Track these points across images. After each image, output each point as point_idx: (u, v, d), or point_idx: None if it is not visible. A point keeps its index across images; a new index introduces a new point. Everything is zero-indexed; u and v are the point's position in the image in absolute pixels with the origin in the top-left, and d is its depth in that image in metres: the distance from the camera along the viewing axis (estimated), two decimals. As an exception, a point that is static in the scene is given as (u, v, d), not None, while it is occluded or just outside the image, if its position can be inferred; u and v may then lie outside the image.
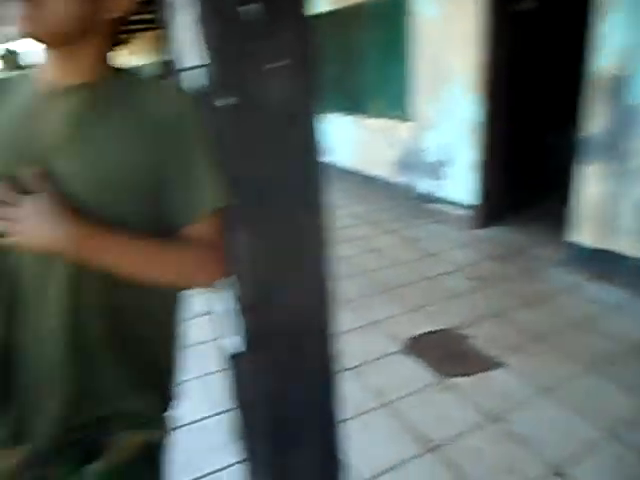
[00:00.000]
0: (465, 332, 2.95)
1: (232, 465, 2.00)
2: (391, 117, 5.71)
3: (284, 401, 1.11)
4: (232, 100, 0.86)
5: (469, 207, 4.75)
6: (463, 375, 2.56)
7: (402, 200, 5.63)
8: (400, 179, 5.77)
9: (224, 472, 2.01)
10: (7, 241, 0.81)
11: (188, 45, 0.93)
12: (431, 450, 2.09)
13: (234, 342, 1.11)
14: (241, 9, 0.82)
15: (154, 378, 0.98)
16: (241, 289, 0.99)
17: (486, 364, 2.64)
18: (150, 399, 0.97)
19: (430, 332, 2.97)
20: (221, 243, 0.93)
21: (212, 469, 2.03)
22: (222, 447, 2.07)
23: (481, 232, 4.62)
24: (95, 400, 0.91)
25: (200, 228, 0.89)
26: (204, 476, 2.01)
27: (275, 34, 0.87)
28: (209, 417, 2.33)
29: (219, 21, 0.83)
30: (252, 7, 0.84)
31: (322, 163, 0.99)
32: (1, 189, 0.80)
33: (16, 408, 0.89)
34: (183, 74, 0.95)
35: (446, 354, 2.75)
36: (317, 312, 1.09)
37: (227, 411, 2.04)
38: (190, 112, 0.87)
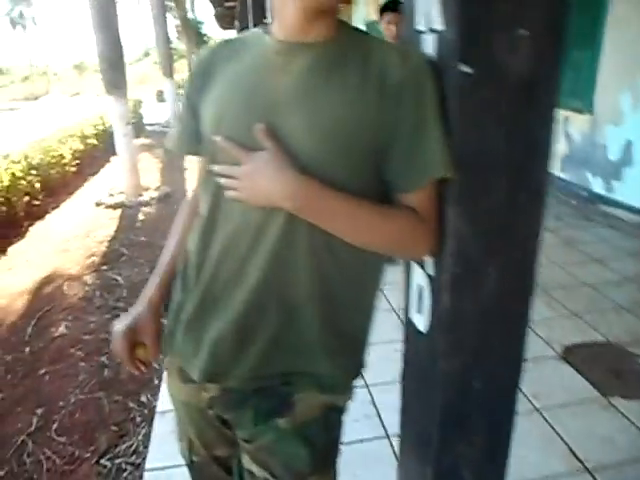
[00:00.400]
0: (633, 350, 2.67)
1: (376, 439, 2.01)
2: (566, 108, 5.26)
3: (463, 387, 1.08)
4: (469, 68, 0.82)
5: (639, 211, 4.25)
6: (630, 398, 2.32)
7: (568, 198, 5.20)
8: (568, 175, 5.33)
9: (369, 444, 2.03)
10: (232, 194, 0.85)
11: (420, 7, 0.91)
12: (585, 472, 1.92)
13: (421, 319, 1.10)
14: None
15: (350, 344, 0.99)
16: (443, 266, 0.96)
17: (657, 390, 2.37)
18: (342, 364, 0.97)
19: (591, 343, 2.73)
20: (436, 215, 0.90)
21: (355, 438, 2.07)
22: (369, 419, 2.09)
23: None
24: (290, 354, 0.93)
25: (420, 196, 0.87)
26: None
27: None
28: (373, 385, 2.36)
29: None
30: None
31: (552, 143, 0.92)
32: (229, 144, 0.85)
33: (213, 347, 0.94)
34: (414, 37, 0.93)
35: (610, 370, 2.51)
36: (516, 300, 1.03)
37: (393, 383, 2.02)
38: (426, 76, 0.84)
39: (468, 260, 0.95)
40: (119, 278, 3.99)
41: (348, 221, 0.84)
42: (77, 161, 7.36)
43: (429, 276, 1.03)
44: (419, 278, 1.08)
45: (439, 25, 0.84)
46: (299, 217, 0.83)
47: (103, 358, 2.96)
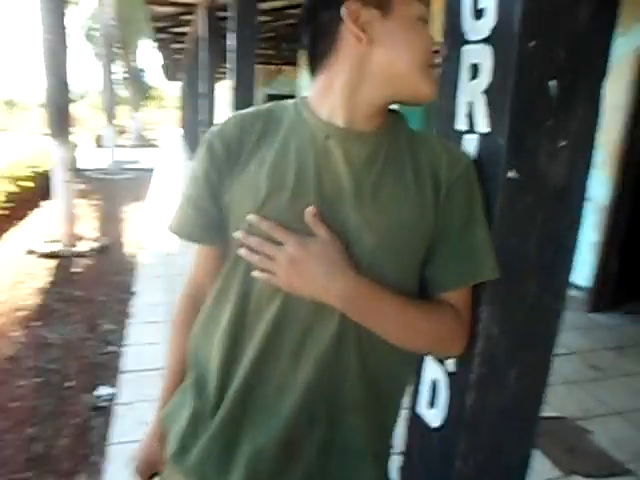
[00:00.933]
0: (586, 426, 2.72)
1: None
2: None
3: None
4: (516, 174, 0.82)
5: (584, 289, 4.49)
6: (589, 476, 2.34)
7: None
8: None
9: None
10: (265, 277, 0.78)
11: (461, 108, 0.92)
12: None
13: (434, 414, 1.05)
14: (550, 83, 0.79)
15: (390, 443, 0.94)
16: (468, 364, 0.93)
17: (613, 468, 2.41)
18: (384, 465, 0.93)
19: (545, 417, 2.76)
20: (470, 314, 0.88)
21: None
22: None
23: (597, 317, 4.33)
24: (339, 465, 0.85)
25: (461, 294, 0.85)
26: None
27: (569, 111, 0.83)
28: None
29: (522, 92, 0.80)
30: (552, 82, 0.81)
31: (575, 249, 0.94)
32: (271, 224, 0.78)
33: (252, 463, 0.82)
34: (452, 136, 0.93)
35: (566, 447, 2.54)
36: (532, 397, 1.01)
37: None
38: (474, 177, 0.84)
39: (494, 360, 0.94)
40: (52, 336, 3.68)
41: (396, 322, 0.80)
42: (11, 204, 6.93)
43: (449, 373, 1.00)
44: (434, 373, 1.04)
45: (484, 128, 0.85)
46: (348, 315, 0.78)
47: (32, 430, 2.66)
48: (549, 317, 0.96)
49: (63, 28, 5.66)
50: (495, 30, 0.82)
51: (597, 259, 4.38)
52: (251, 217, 0.78)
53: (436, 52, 0.82)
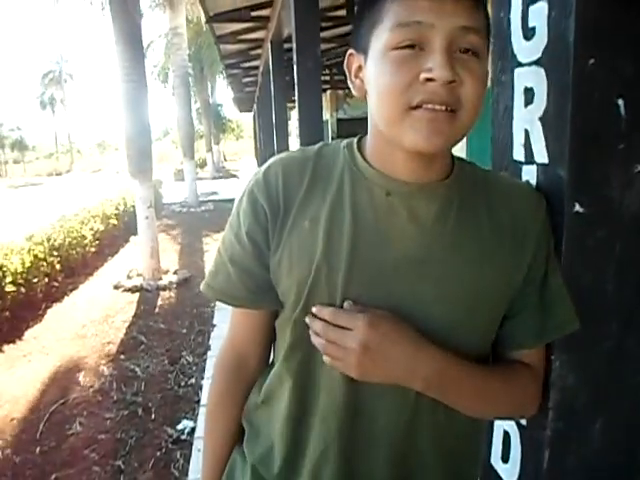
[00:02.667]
0: None
1: None
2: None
3: None
4: (582, 208, 0.73)
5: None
6: None
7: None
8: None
9: None
10: (340, 369, 0.69)
11: (518, 137, 0.84)
12: None
13: (507, 470, 0.96)
14: (619, 102, 0.70)
15: None
16: (542, 419, 0.84)
17: None
18: None
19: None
20: (544, 369, 0.79)
21: None
22: None
23: None
24: None
25: (536, 353, 0.77)
26: None
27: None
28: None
29: (582, 116, 0.72)
30: (620, 101, 0.72)
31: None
32: (332, 312, 0.69)
33: None
34: (511, 167, 0.85)
35: None
36: (623, 454, 0.89)
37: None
38: (546, 218, 0.74)
39: (572, 413, 0.83)
40: (137, 369, 3.82)
41: (478, 396, 0.72)
42: (97, 241, 7.39)
43: (520, 425, 0.90)
44: (505, 424, 0.95)
45: (542, 159, 0.77)
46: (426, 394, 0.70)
47: (119, 462, 2.76)
48: (636, 363, 0.84)
49: (143, 73, 6.04)
50: (547, 50, 0.74)
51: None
52: (314, 309, 0.70)
53: (429, 80, 0.61)
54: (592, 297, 0.78)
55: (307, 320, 0.71)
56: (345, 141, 0.78)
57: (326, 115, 13.90)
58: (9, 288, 4.75)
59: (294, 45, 4.12)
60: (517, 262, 0.71)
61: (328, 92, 13.93)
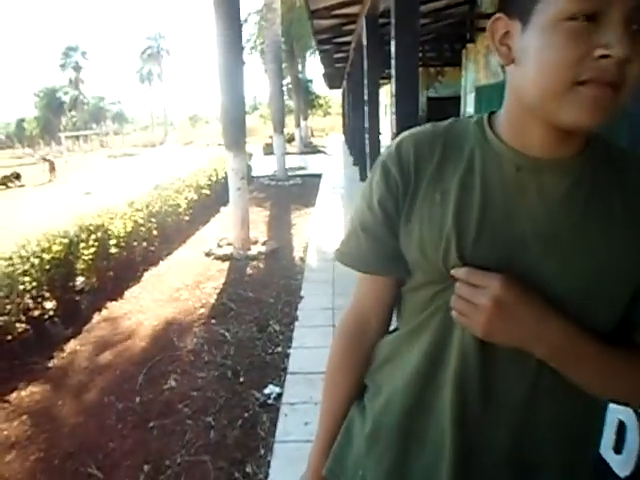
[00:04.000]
0: None
1: None
2: None
3: None
4: None
5: None
6: None
7: None
8: None
9: None
10: (468, 326, 0.70)
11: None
12: None
13: (619, 461, 0.92)
14: None
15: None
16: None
17: None
18: None
19: None
20: None
21: None
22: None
23: None
24: None
25: None
26: None
27: None
28: None
29: None
30: None
31: None
32: (469, 270, 0.70)
33: None
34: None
35: None
36: None
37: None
38: None
39: None
40: (227, 334, 4.02)
41: (602, 372, 0.70)
42: (191, 210, 7.75)
43: (639, 415, 0.87)
44: (620, 412, 0.91)
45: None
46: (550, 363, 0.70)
47: (209, 418, 2.93)
48: None
49: (239, 47, 6.18)
50: None
51: None
52: (452, 271, 0.71)
53: (604, 57, 0.58)
54: None
55: (456, 272, 0.72)
56: (476, 117, 0.79)
57: (417, 93, 13.57)
58: (113, 250, 5.12)
59: (392, 20, 4.04)
60: (637, 238, 0.68)
61: (419, 70, 13.60)
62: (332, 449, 0.92)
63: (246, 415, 2.94)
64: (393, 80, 4.18)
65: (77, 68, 62.20)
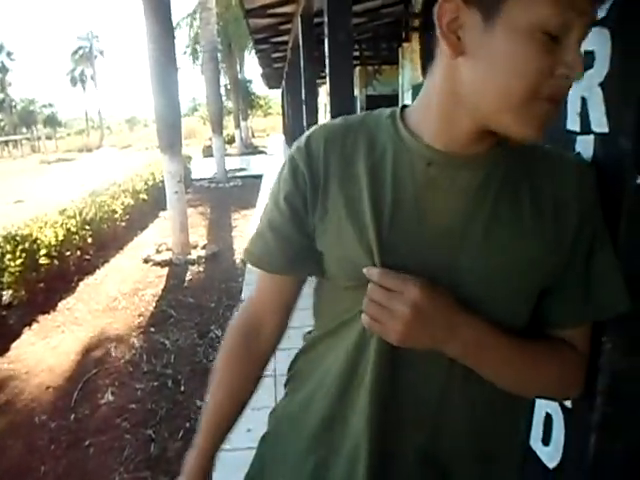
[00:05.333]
0: None
1: None
2: None
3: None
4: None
5: None
6: None
7: None
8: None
9: None
10: (378, 330, 0.67)
11: (573, 105, 0.79)
12: None
13: (548, 453, 0.93)
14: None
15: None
16: (590, 403, 0.80)
17: None
18: None
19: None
20: (589, 349, 0.75)
21: None
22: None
23: None
24: None
25: (581, 332, 0.73)
26: None
27: None
28: None
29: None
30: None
31: None
32: (383, 273, 0.66)
33: None
34: (563, 137, 0.81)
35: None
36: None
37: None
38: (594, 190, 0.69)
39: (622, 398, 0.79)
40: (167, 342, 3.89)
41: (514, 368, 0.70)
42: (127, 216, 7.50)
43: (565, 408, 0.87)
44: (548, 405, 0.92)
45: (602, 128, 0.72)
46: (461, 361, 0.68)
47: (149, 431, 2.82)
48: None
49: (172, 48, 6.02)
50: (614, 8, 0.68)
51: None
52: (364, 270, 0.67)
53: (562, 76, 0.58)
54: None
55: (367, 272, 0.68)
56: (388, 110, 0.76)
57: (355, 91, 13.71)
58: (43, 260, 4.88)
59: (325, 17, 4.03)
60: (558, 236, 0.68)
61: (357, 68, 13.70)
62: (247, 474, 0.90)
63: (188, 425, 2.85)
64: (328, 79, 4.17)
65: (3, 70, 59.16)
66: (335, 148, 0.73)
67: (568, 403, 0.86)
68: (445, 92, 0.65)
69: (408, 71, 10.48)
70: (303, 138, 0.76)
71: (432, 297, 0.64)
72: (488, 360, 0.68)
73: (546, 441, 0.93)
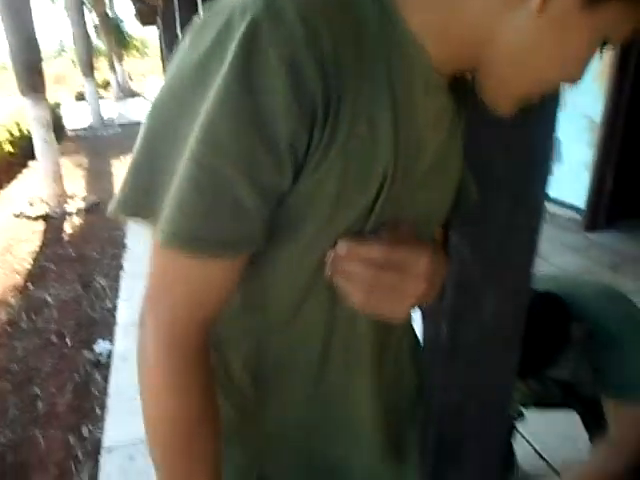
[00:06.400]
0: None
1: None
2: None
3: (457, 416, 1.02)
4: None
5: (579, 209, 4.44)
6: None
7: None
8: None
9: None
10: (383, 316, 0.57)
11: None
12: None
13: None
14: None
15: None
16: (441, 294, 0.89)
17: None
18: None
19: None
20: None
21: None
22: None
23: (593, 236, 4.30)
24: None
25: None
26: None
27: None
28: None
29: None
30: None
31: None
32: (393, 249, 0.54)
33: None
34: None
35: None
36: (511, 321, 0.97)
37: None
38: None
39: (468, 286, 0.89)
40: (48, 297, 3.67)
41: None
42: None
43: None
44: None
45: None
46: None
47: (35, 389, 2.69)
48: (525, 235, 0.90)
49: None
50: None
51: (592, 178, 4.31)
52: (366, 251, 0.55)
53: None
54: (480, 172, 0.79)
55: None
56: None
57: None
58: None
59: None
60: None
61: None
62: None
63: (77, 378, 2.76)
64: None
65: None
66: (347, 40, 0.46)
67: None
68: (481, 27, 0.50)
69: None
70: (290, 14, 0.43)
71: (439, 262, 0.59)
72: None
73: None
